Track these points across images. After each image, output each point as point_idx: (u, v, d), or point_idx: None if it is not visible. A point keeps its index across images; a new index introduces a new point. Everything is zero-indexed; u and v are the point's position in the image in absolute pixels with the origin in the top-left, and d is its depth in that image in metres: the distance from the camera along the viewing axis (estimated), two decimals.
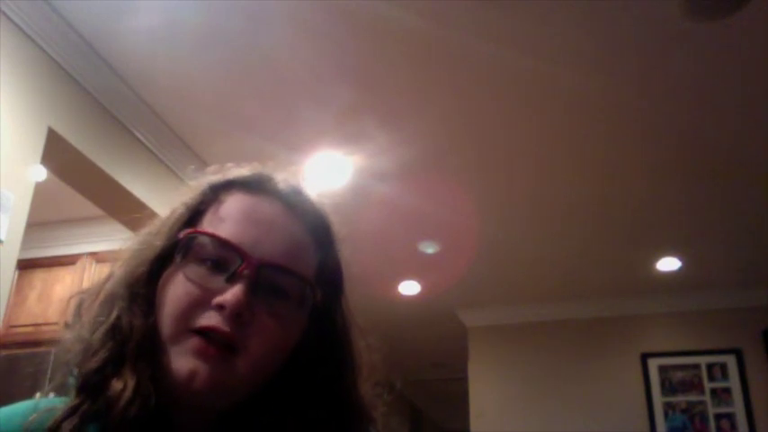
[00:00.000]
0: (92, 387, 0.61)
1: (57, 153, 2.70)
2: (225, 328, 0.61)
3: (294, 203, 0.71)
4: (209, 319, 0.62)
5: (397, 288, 4.91)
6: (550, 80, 2.85)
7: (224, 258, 0.64)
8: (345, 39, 2.66)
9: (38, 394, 0.66)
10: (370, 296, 4.76)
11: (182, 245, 0.65)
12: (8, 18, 2.42)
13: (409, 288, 4.93)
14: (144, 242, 0.69)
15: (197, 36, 2.67)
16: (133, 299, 0.65)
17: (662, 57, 2.71)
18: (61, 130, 2.67)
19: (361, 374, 0.71)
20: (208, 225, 0.67)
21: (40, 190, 2.62)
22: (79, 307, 0.68)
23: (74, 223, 3.96)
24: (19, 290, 3.80)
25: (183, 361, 0.61)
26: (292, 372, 0.67)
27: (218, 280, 0.63)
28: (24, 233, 2.48)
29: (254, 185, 0.71)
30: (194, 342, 0.61)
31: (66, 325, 0.67)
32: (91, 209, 3.30)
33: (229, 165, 0.75)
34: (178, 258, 0.65)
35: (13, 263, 2.45)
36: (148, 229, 0.71)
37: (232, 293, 0.62)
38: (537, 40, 2.64)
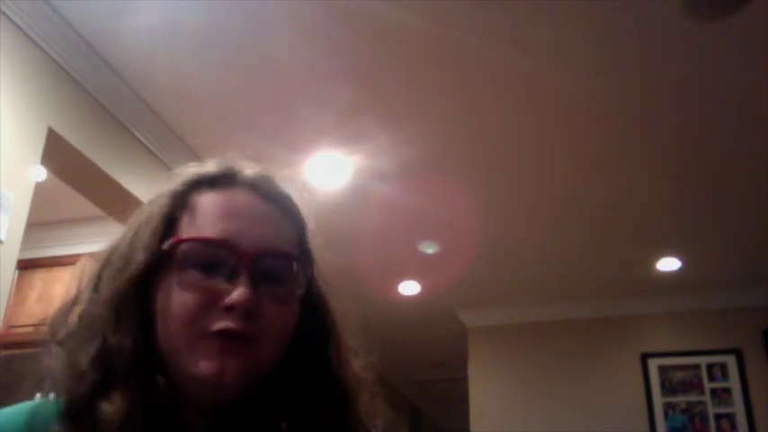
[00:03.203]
0: (77, 412, 0.61)
1: (57, 153, 2.70)
2: (239, 326, 0.63)
3: (263, 188, 0.72)
4: (222, 321, 0.63)
5: (397, 288, 4.91)
6: (550, 80, 2.85)
7: (217, 258, 0.65)
8: (345, 39, 2.66)
9: (38, 395, 0.66)
10: (370, 296, 4.76)
11: (169, 255, 0.65)
12: (8, 18, 2.42)
13: (409, 288, 4.93)
14: (122, 259, 0.67)
15: (197, 36, 2.67)
16: (119, 319, 0.64)
17: (662, 57, 2.71)
18: (61, 130, 2.66)
19: (342, 339, 0.73)
20: (188, 230, 0.67)
21: (40, 190, 2.62)
22: (59, 328, 0.67)
23: (74, 223, 3.95)
24: (19, 290, 3.80)
25: (208, 362, 0.62)
26: (289, 350, 0.69)
27: (218, 281, 0.64)
28: (24, 233, 2.48)
29: (221, 181, 0.71)
30: (215, 344, 0.62)
31: (46, 343, 0.66)
32: (91, 209, 3.30)
33: (191, 164, 0.75)
34: (169, 269, 0.65)
35: (13, 263, 2.45)
36: (118, 246, 0.69)
37: (239, 293, 0.63)
38: (537, 40, 2.64)
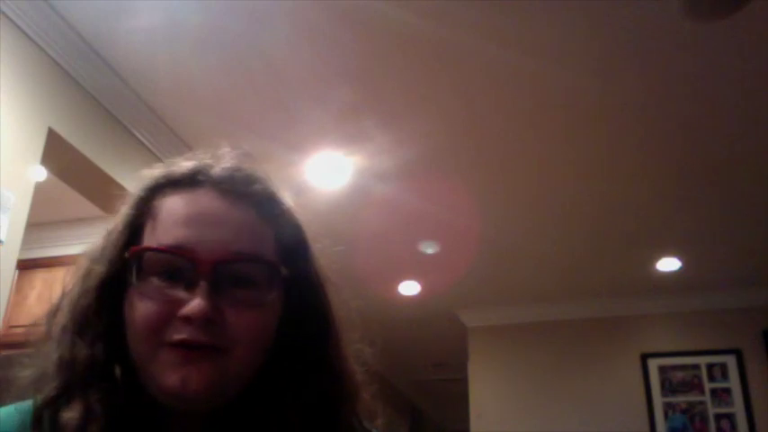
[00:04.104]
0: (41, 420, 0.62)
1: (57, 153, 2.70)
2: (198, 337, 0.60)
3: (230, 187, 0.67)
4: (180, 332, 0.61)
5: (397, 288, 4.91)
6: (550, 80, 2.85)
7: (177, 267, 0.62)
8: (345, 39, 2.66)
9: (38, 395, 0.66)
10: (370, 296, 4.76)
11: (131, 265, 0.63)
12: (8, 18, 2.42)
13: (409, 288, 4.93)
14: (86, 270, 0.67)
15: (197, 36, 2.67)
16: (80, 330, 0.64)
17: (662, 57, 2.71)
18: (61, 130, 2.66)
19: (341, 335, 0.70)
20: (150, 237, 0.65)
21: (40, 190, 2.62)
22: (38, 336, 0.68)
23: (74, 223, 3.95)
24: (19, 290, 3.80)
25: (170, 372, 0.60)
26: (280, 347, 0.67)
27: (178, 290, 0.62)
28: (24, 233, 2.48)
29: (186, 182, 0.68)
30: (174, 353, 0.61)
31: (29, 350, 0.67)
32: (91, 209, 3.30)
33: (158, 164, 0.72)
34: (132, 279, 0.63)
35: (13, 263, 2.45)
36: (88, 255, 0.69)
37: (195, 303, 0.60)
38: (537, 40, 2.64)
